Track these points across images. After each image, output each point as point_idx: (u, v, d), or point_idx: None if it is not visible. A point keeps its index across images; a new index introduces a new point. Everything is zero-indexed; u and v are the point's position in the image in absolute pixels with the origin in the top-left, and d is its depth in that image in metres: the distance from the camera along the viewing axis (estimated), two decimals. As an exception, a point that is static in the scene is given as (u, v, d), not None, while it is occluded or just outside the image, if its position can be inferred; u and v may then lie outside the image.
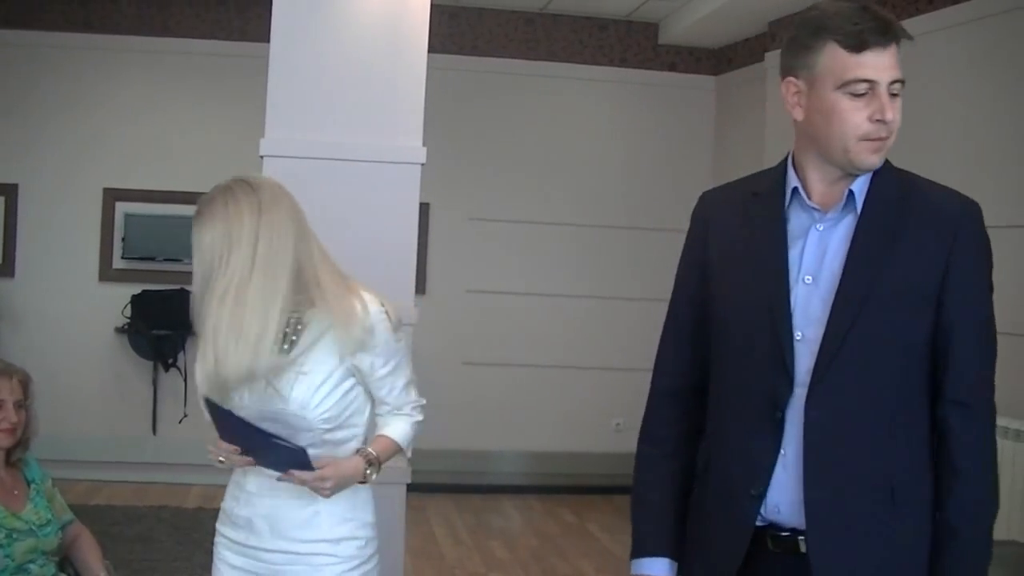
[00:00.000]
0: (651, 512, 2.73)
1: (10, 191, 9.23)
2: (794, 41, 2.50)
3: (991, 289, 2.52)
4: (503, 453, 9.83)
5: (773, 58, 8.40)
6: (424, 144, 4.45)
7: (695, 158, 10.05)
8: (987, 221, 2.52)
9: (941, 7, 6.69)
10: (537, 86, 9.86)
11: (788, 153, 2.62)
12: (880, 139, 2.42)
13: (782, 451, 2.47)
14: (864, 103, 2.39)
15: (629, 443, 9.37)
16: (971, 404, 2.46)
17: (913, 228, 2.46)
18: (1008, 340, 2.76)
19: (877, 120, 2.39)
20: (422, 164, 4.41)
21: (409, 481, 4.35)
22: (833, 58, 2.40)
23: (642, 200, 9.94)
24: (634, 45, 10.00)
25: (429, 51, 4.68)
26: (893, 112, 2.39)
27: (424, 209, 9.15)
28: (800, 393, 2.46)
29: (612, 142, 10.01)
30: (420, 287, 9.18)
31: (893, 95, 2.40)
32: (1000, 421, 2.66)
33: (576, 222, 9.90)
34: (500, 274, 9.81)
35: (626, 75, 9.99)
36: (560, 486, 9.72)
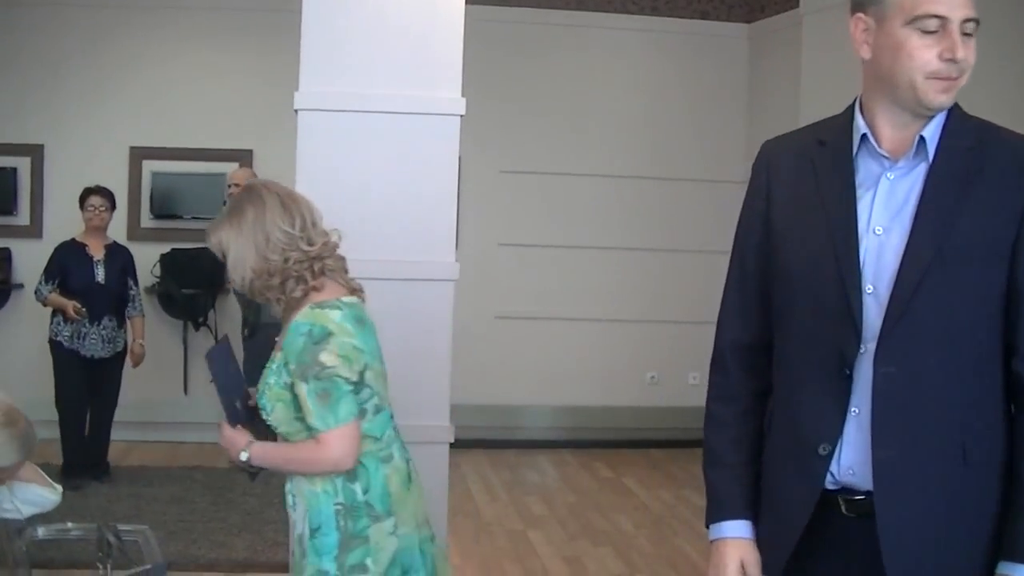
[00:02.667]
0: (730, 474, 2.62)
1: (36, 151, 9.20)
2: None
3: None
4: (536, 407, 9.80)
5: (809, 3, 8.24)
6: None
7: (729, 107, 9.98)
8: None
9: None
10: (568, 36, 9.77)
11: (855, 99, 2.51)
12: (950, 79, 2.31)
13: (854, 409, 2.38)
14: (935, 40, 2.29)
15: (663, 396, 9.52)
16: None
17: (988, 177, 2.34)
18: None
19: (947, 59, 2.29)
20: (461, 116, 4.33)
21: (452, 440, 4.30)
22: None
23: (676, 151, 9.87)
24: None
25: (466, 2, 4.54)
26: (964, 51, 2.29)
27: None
28: (871, 348, 2.35)
29: (646, 92, 9.91)
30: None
31: (966, 35, 2.30)
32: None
33: (608, 173, 9.81)
34: (532, 227, 9.75)
35: (658, 24, 9.85)
36: (595, 440, 9.71)
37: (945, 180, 2.35)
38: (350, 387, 3.08)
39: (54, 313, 7.73)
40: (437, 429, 4.25)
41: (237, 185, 8.18)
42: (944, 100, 2.34)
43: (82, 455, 7.72)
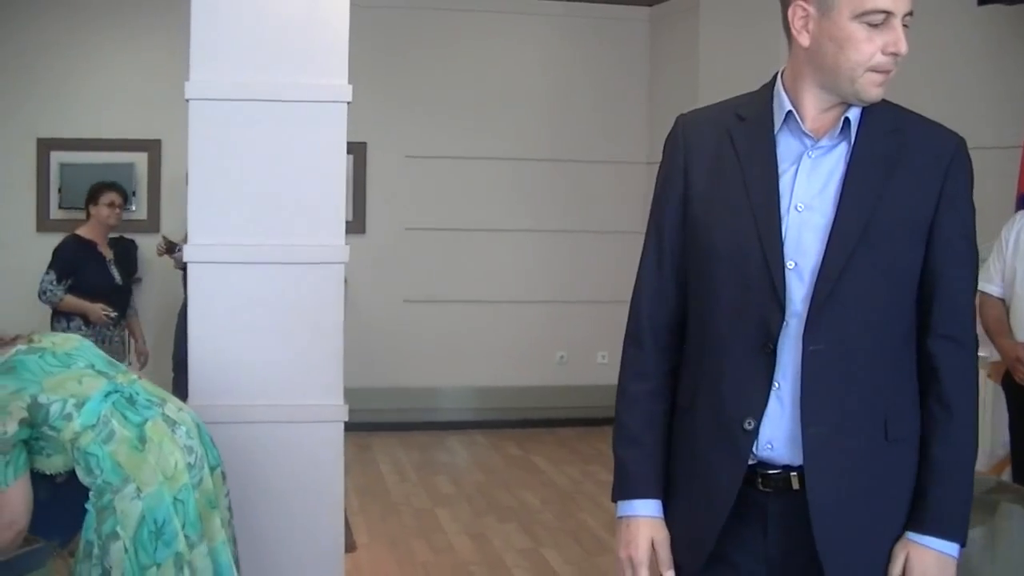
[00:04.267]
0: (643, 452, 2.59)
1: (-59, 143, 9.13)
2: None
3: (974, 224, 2.48)
4: (447, 389, 9.91)
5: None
6: (352, 83, 4.41)
7: (631, 90, 10.13)
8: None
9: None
10: (471, 20, 9.86)
11: (775, 76, 2.54)
12: (888, 72, 2.36)
13: (775, 384, 2.40)
14: (878, 33, 2.32)
15: (572, 375, 9.55)
16: (962, 339, 2.43)
17: (908, 160, 2.41)
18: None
19: (891, 52, 2.33)
20: (348, 103, 4.38)
21: (345, 419, 4.37)
22: None
23: (580, 133, 9.99)
24: (566, -24, 9.98)
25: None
26: (906, 45, 2.33)
27: (361, 148, 9.23)
28: (794, 324, 2.38)
29: (549, 75, 10.02)
30: (359, 227, 9.24)
31: (904, 27, 2.34)
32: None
33: (512, 156, 9.93)
34: (438, 211, 9.84)
35: (561, 8, 9.97)
36: (505, 420, 9.83)
37: (869, 161, 2.40)
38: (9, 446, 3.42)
39: (64, 318, 7.09)
40: (330, 408, 4.34)
41: None
42: (879, 93, 2.38)
43: None
